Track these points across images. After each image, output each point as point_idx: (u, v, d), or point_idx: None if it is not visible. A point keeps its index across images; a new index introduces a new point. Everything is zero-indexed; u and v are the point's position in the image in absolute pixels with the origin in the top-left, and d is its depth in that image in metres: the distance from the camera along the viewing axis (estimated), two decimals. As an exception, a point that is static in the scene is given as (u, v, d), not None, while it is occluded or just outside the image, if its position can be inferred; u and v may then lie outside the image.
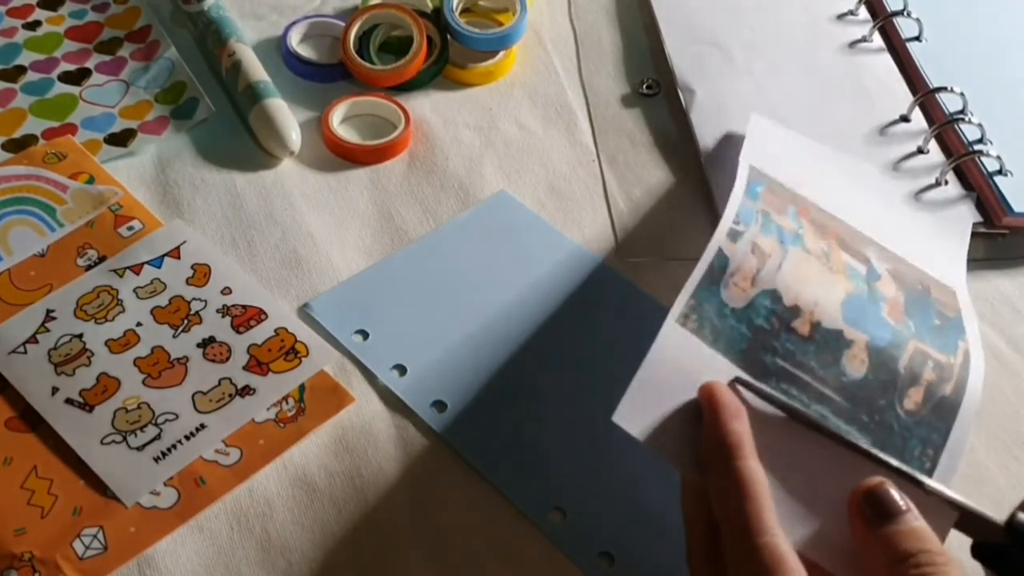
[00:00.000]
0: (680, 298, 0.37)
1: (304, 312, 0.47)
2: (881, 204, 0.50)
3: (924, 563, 0.29)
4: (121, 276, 0.47)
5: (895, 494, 0.31)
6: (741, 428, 0.32)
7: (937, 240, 0.49)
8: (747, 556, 0.29)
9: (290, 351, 0.45)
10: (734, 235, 0.39)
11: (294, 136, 0.53)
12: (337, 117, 0.55)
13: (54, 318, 0.45)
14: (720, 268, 0.38)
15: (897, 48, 0.61)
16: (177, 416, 0.42)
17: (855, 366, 0.36)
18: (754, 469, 0.31)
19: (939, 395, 0.37)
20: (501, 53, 0.59)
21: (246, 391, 0.43)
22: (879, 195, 0.51)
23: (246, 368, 0.44)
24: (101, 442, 0.41)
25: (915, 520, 0.30)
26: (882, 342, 0.38)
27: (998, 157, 0.53)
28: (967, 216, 0.51)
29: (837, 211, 0.45)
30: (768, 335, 0.36)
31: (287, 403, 0.43)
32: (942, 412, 0.37)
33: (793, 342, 0.36)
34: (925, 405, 0.37)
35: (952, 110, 0.56)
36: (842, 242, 0.43)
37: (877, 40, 0.61)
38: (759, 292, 0.38)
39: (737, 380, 0.35)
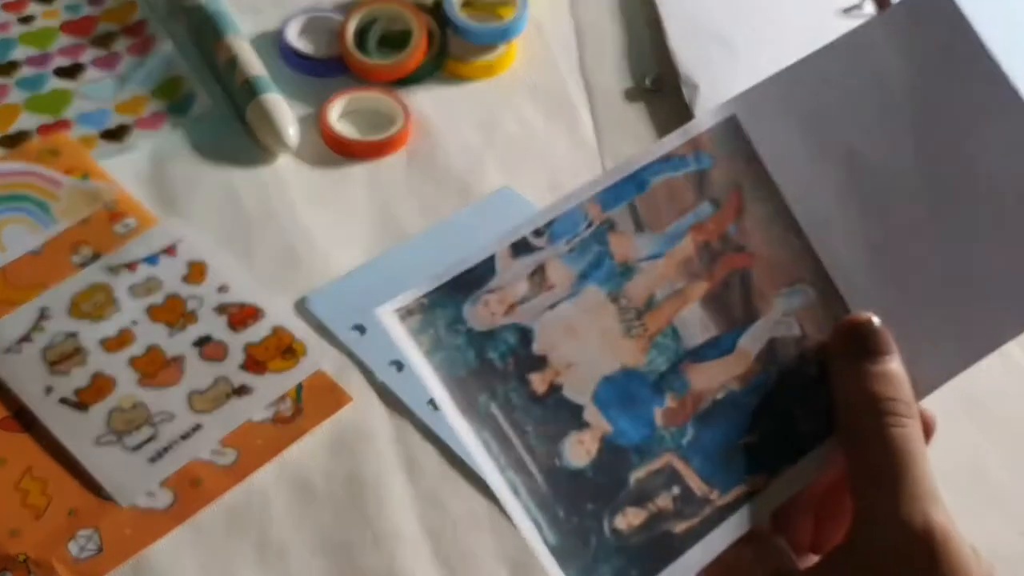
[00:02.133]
0: (408, 293, 0.31)
1: (301, 307, 0.46)
2: None
3: (890, 411, 0.29)
4: (116, 274, 0.47)
5: (883, 332, 0.30)
6: None
7: None
8: None
9: (287, 350, 0.44)
10: (521, 248, 0.32)
11: (292, 131, 0.52)
12: (335, 112, 0.54)
13: (48, 316, 0.45)
14: (478, 278, 0.31)
15: (903, 42, 0.60)
16: (173, 416, 0.42)
17: (576, 453, 0.30)
18: None
19: (663, 530, 0.30)
20: (502, 47, 0.58)
21: (243, 391, 0.43)
22: None
23: (243, 367, 0.44)
24: (96, 442, 0.41)
25: (894, 363, 0.30)
26: (624, 441, 0.30)
27: (1005, 153, 0.52)
28: None
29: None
30: (495, 375, 0.30)
31: (284, 403, 0.43)
32: (656, 550, 0.30)
33: (520, 395, 0.30)
34: (639, 534, 0.30)
35: (959, 105, 0.55)
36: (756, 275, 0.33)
37: (882, 34, 0.61)
38: (509, 324, 0.31)
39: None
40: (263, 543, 0.39)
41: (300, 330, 0.45)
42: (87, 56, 0.56)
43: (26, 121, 0.53)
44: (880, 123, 0.33)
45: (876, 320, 0.30)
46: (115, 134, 0.53)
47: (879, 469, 0.28)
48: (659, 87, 0.58)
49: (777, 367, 0.32)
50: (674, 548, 0.30)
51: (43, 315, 0.45)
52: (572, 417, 0.30)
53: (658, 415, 0.31)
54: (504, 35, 0.58)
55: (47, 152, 0.51)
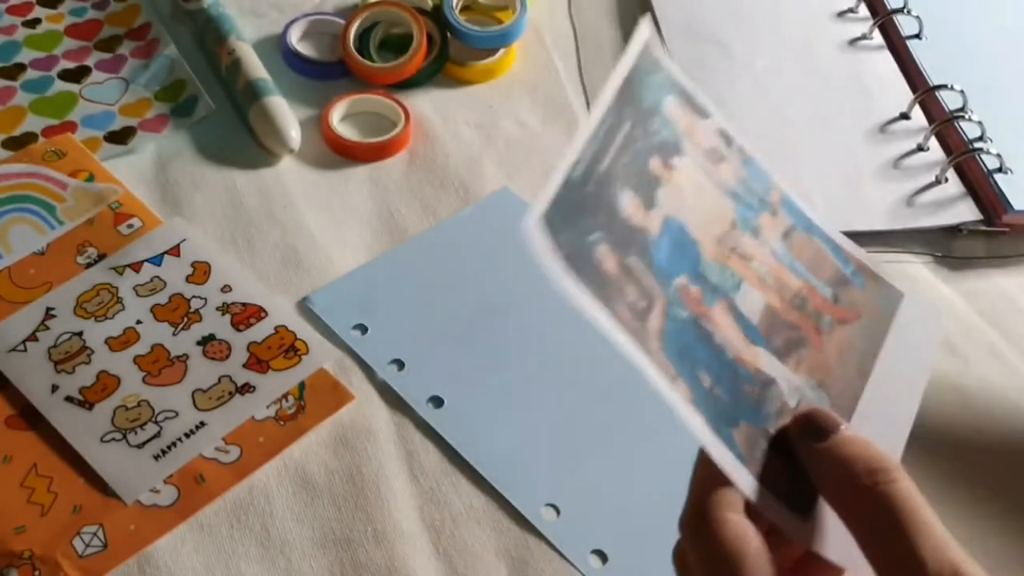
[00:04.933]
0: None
1: (303, 307, 0.47)
2: None
3: (876, 468, 0.28)
4: (121, 274, 0.47)
5: (830, 412, 0.30)
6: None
7: None
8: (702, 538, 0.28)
9: (290, 349, 0.45)
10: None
11: (294, 134, 0.53)
12: (337, 115, 0.55)
13: (54, 316, 0.45)
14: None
15: (897, 46, 0.61)
16: (177, 414, 0.42)
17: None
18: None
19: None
20: (501, 51, 0.59)
21: (246, 389, 0.43)
22: None
23: (246, 366, 0.44)
24: (101, 440, 0.41)
25: (851, 430, 0.30)
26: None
27: (998, 155, 0.53)
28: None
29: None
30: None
31: (287, 401, 0.43)
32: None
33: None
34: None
35: (952, 108, 0.55)
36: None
37: (877, 38, 0.61)
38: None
39: None
40: (266, 539, 0.40)
41: (302, 329, 0.46)
42: (92, 59, 0.57)
43: (32, 123, 0.53)
44: None
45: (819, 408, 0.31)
46: (119, 136, 0.53)
47: (889, 533, 0.27)
48: (657, 90, 0.59)
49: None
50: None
51: (48, 314, 0.45)
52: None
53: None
54: (503, 39, 0.59)
55: (52, 154, 0.51)
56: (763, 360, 0.31)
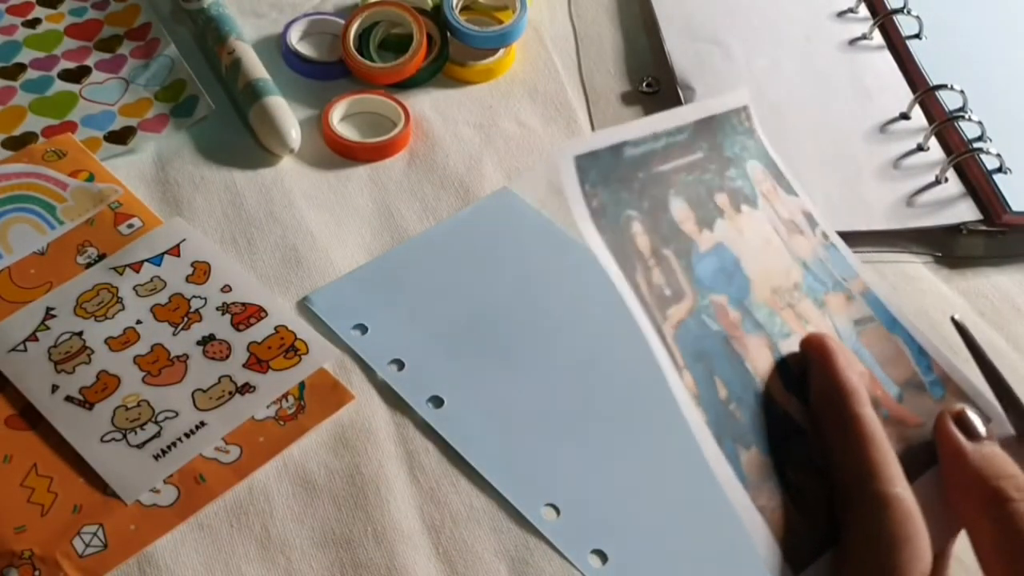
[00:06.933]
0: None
1: (303, 307, 0.47)
2: None
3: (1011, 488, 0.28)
4: (121, 274, 0.47)
5: (980, 421, 0.30)
6: (857, 377, 0.30)
7: None
8: (874, 506, 0.27)
9: (290, 349, 0.45)
10: None
11: (294, 134, 0.53)
12: (337, 115, 0.55)
13: (54, 316, 0.45)
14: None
15: (897, 46, 0.61)
16: (177, 414, 0.42)
17: None
18: (874, 417, 0.29)
19: None
20: (501, 51, 0.59)
21: (246, 389, 0.43)
22: None
23: (246, 366, 0.44)
24: (101, 440, 0.41)
25: (999, 447, 0.30)
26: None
27: (998, 155, 0.53)
28: None
29: None
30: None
31: (287, 401, 0.43)
32: None
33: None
34: None
35: (952, 108, 0.56)
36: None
37: (877, 38, 0.61)
38: None
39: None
40: (266, 539, 0.40)
41: (302, 329, 0.46)
42: (92, 59, 0.57)
43: (32, 123, 0.53)
44: None
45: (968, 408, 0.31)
46: (119, 136, 0.53)
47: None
48: (655, 90, 0.59)
49: None
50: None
51: (49, 314, 0.45)
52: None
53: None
54: (503, 39, 0.59)
55: (52, 154, 0.51)
56: (796, 408, 0.30)
